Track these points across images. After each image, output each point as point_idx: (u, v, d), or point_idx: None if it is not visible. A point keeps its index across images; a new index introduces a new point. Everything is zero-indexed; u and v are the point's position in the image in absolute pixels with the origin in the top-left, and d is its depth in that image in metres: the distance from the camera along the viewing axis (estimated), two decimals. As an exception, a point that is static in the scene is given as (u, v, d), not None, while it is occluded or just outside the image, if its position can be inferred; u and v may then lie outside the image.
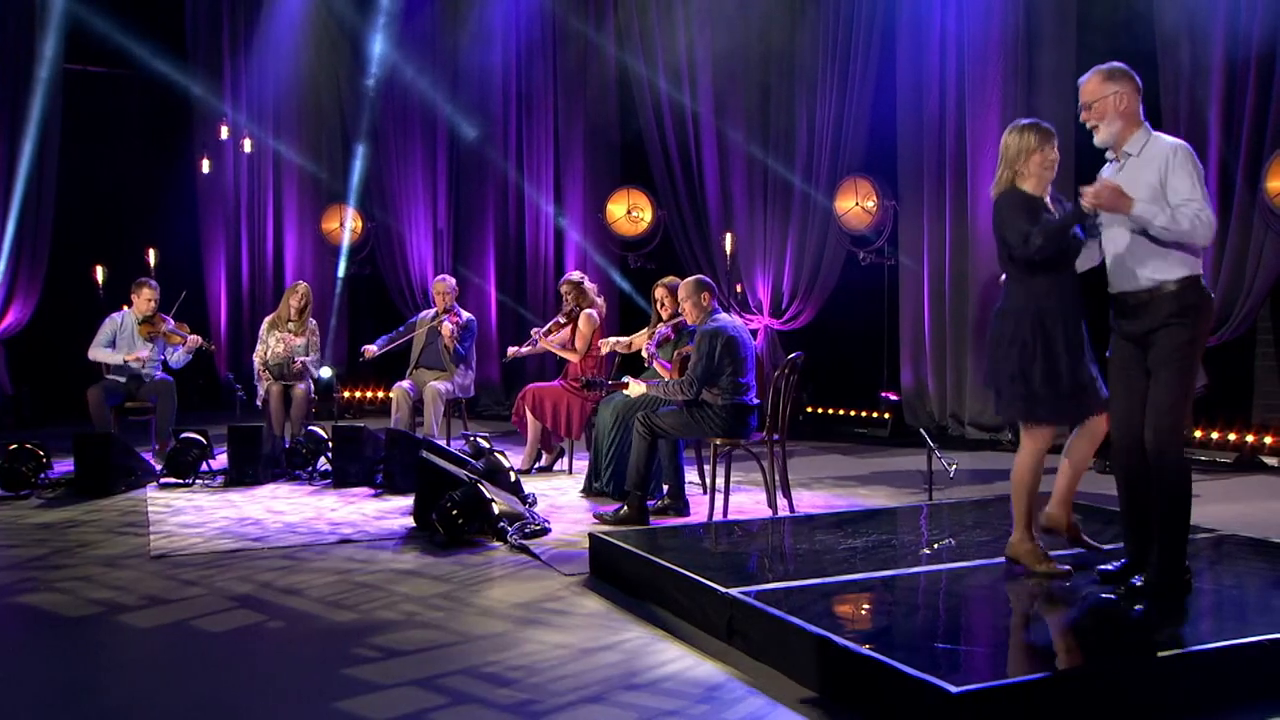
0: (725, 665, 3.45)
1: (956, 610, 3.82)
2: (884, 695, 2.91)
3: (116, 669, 3.59)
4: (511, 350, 7.50)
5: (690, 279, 5.83)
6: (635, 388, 5.98)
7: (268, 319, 8.05)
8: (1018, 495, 3.96)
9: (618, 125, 10.89)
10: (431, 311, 8.07)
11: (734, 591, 3.64)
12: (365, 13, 11.05)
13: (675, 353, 6.21)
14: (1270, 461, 7.39)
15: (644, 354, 6.39)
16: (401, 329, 8.12)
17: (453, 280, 8.19)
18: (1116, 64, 3.85)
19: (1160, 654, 3.05)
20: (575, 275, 7.37)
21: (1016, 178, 3.94)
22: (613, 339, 6.70)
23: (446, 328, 7.75)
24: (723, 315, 5.70)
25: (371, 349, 7.95)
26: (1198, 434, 7.73)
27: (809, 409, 9.66)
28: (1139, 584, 3.67)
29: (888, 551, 4.49)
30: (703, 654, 3.56)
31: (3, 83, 10.01)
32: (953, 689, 2.68)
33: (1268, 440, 7.44)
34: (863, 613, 3.74)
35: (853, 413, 9.73)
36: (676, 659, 3.52)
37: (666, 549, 4.40)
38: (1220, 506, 5.98)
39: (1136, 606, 3.55)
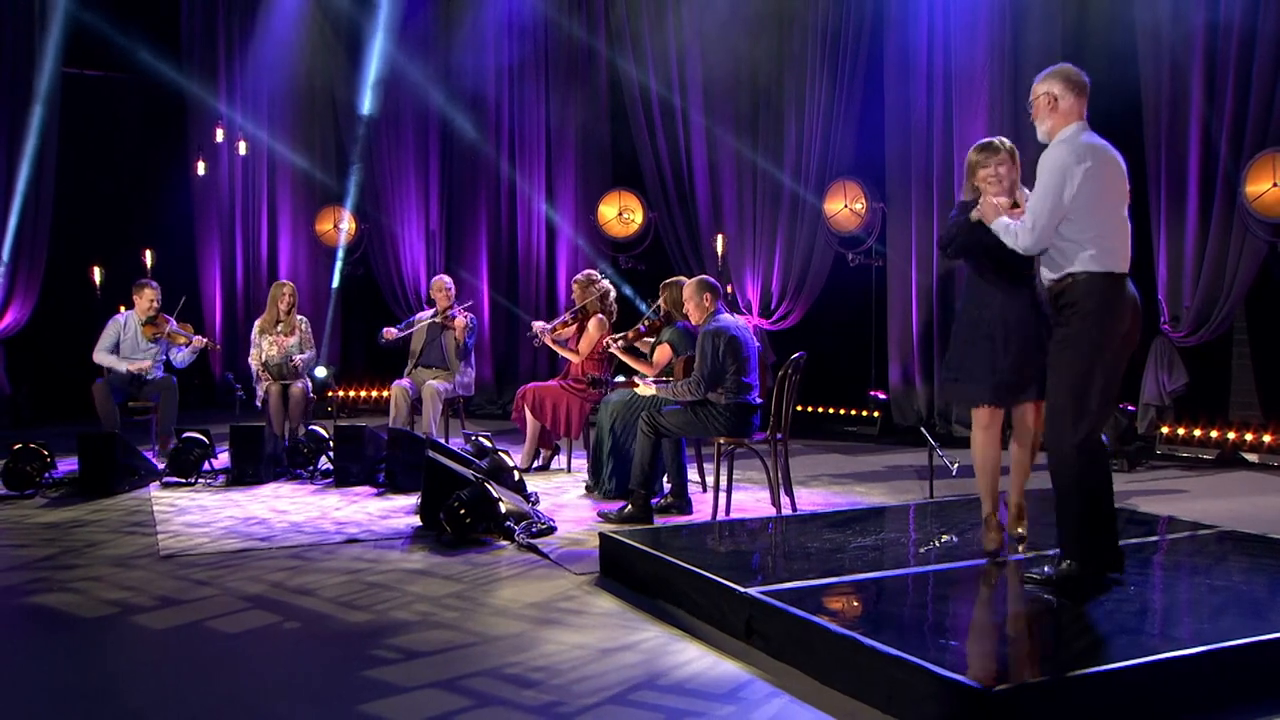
0: (746, 665, 3.49)
1: (976, 608, 3.85)
2: (913, 694, 2.95)
3: (135, 670, 3.59)
4: (537, 325, 7.38)
5: (694, 279, 5.91)
6: (646, 389, 6.07)
7: (258, 322, 8.04)
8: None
9: (609, 127, 10.97)
10: (429, 312, 8.10)
11: (753, 591, 3.68)
12: (360, 15, 11.05)
13: (655, 348, 6.36)
14: (1250, 458, 7.57)
15: (613, 349, 6.50)
16: (400, 326, 8.14)
17: (449, 279, 8.22)
18: (1060, 65, 3.97)
19: (1180, 652, 3.09)
20: (591, 276, 7.31)
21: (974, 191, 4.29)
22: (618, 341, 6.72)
23: (459, 321, 7.78)
24: (725, 316, 5.78)
25: (392, 331, 7.98)
26: (1180, 431, 7.91)
27: (798, 407, 9.75)
28: (1042, 574, 3.85)
29: (899, 549, 4.58)
30: (722, 653, 3.60)
31: (2, 87, 10.01)
32: (985, 689, 2.73)
33: (1248, 437, 7.62)
34: (883, 611, 3.79)
35: (842, 411, 9.86)
36: (696, 658, 3.56)
37: (678, 548, 4.44)
38: (1208, 502, 6.14)
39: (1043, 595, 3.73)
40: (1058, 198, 3.73)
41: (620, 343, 6.53)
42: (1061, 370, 3.78)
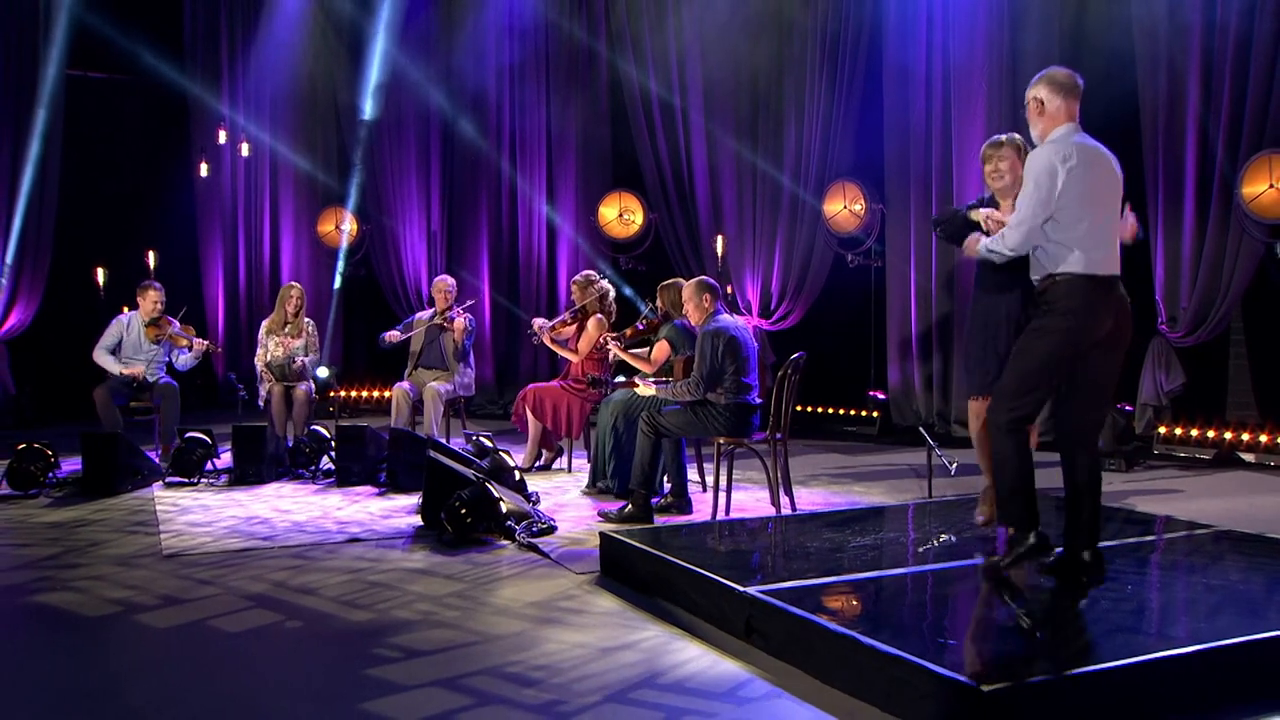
0: (746, 664, 3.51)
1: (974, 607, 3.86)
2: (912, 693, 2.96)
3: (137, 669, 3.60)
4: (537, 322, 7.37)
5: (693, 280, 5.93)
6: (645, 389, 6.10)
7: (265, 323, 8.08)
8: None
9: (610, 129, 11.00)
10: (429, 311, 8.12)
11: (752, 590, 3.70)
12: (361, 17, 11.09)
13: (655, 346, 6.40)
14: (1247, 458, 7.60)
15: (611, 349, 6.53)
16: (400, 328, 8.17)
17: (452, 280, 8.25)
18: (1049, 68, 3.99)
19: (1176, 651, 3.11)
20: (590, 277, 7.34)
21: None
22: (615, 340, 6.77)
23: (459, 323, 7.80)
24: (725, 316, 5.80)
25: (394, 334, 8.00)
26: (1178, 431, 7.94)
27: (797, 407, 9.78)
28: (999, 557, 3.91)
29: (898, 549, 4.60)
30: (722, 652, 3.62)
31: (6, 90, 10.08)
32: (984, 687, 2.74)
33: (1245, 437, 7.65)
34: (882, 610, 3.81)
35: (841, 411, 9.89)
36: (696, 657, 3.58)
37: (678, 547, 4.46)
38: (1205, 502, 6.16)
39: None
40: (1042, 196, 3.75)
41: (618, 342, 6.55)
42: (1021, 353, 3.86)
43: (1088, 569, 3.81)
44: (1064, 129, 3.83)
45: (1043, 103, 3.85)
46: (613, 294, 7.35)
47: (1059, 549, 3.93)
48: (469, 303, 8.43)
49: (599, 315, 7.15)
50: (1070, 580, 3.83)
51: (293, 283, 8.48)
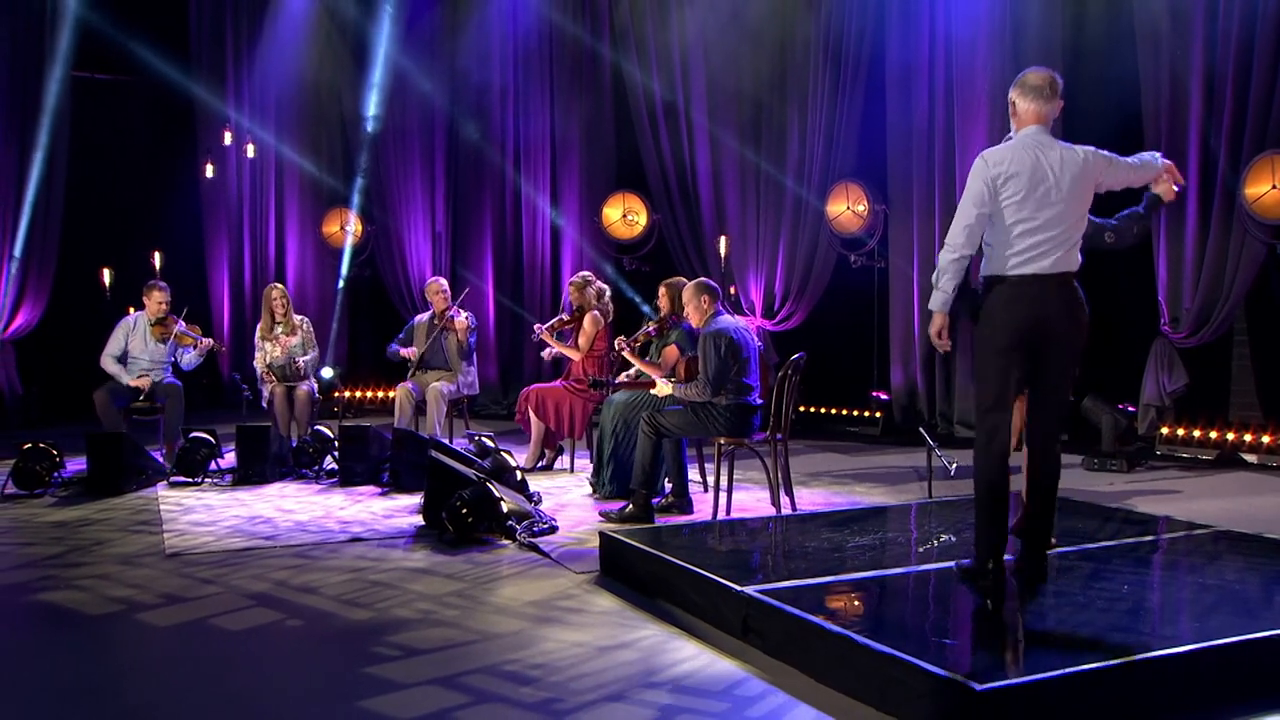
0: (743, 663, 3.52)
1: (970, 607, 3.87)
2: (907, 692, 2.97)
3: (139, 668, 3.63)
4: (538, 327, 7.43)
5: (692, 282, 5.95)
6: (663, 388, 6.12)
7: (259, 327, 8.10)
8: None
9: (613, 130, 11.02)
10: (428, 314, 8.15)
11: (750, 589, 3.72)
12: (366, 19, 11.12)
13: (662, 350, 6.39)
14: (1249, 459, 7.58)
15: (619, 348, 6.55)
16: (402, 335, 8.20)
17: (444, 281, 8.26)
18: (1024, 71, 4.05)
19: (1172, 650, 3.12)
20: (587, 277, 7.40)
21: None
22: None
23: (461, 322, 7.83)
24: (725, 317, 5.82)
25: (410, 352, 8.02)
26: (1180, 432, 7.93)
27: (800, 408, 9.81)
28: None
29: (898, 549, 4.61)
30: (719, 651, 3.64)
31: (12, 91, 10.13)
32: (977, 686, 2.76)
33: (1247, 438, 7.64)
34: (879, 610, 3.82)
35: (844, 411, 9.90)
36: (693, 657, 3.60)
37: (677, 547, 4.48)
38: (1206, 502, 6.16)
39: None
40: (972, 196, 3.86)
41: (630, 348, 6.55)
42: (976, 368, 4.01)
43: (1036, 566, 3.90)
44: (1023, 132, 3.93)
45: (1014, 104, 3.96)
46: (609, 293, 7.38)
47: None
48: (464, 292, 8.41)
49: (594, 312, 7.18)
50: (1023, 576, 3.91)
51: (274, 284, 8.49)
